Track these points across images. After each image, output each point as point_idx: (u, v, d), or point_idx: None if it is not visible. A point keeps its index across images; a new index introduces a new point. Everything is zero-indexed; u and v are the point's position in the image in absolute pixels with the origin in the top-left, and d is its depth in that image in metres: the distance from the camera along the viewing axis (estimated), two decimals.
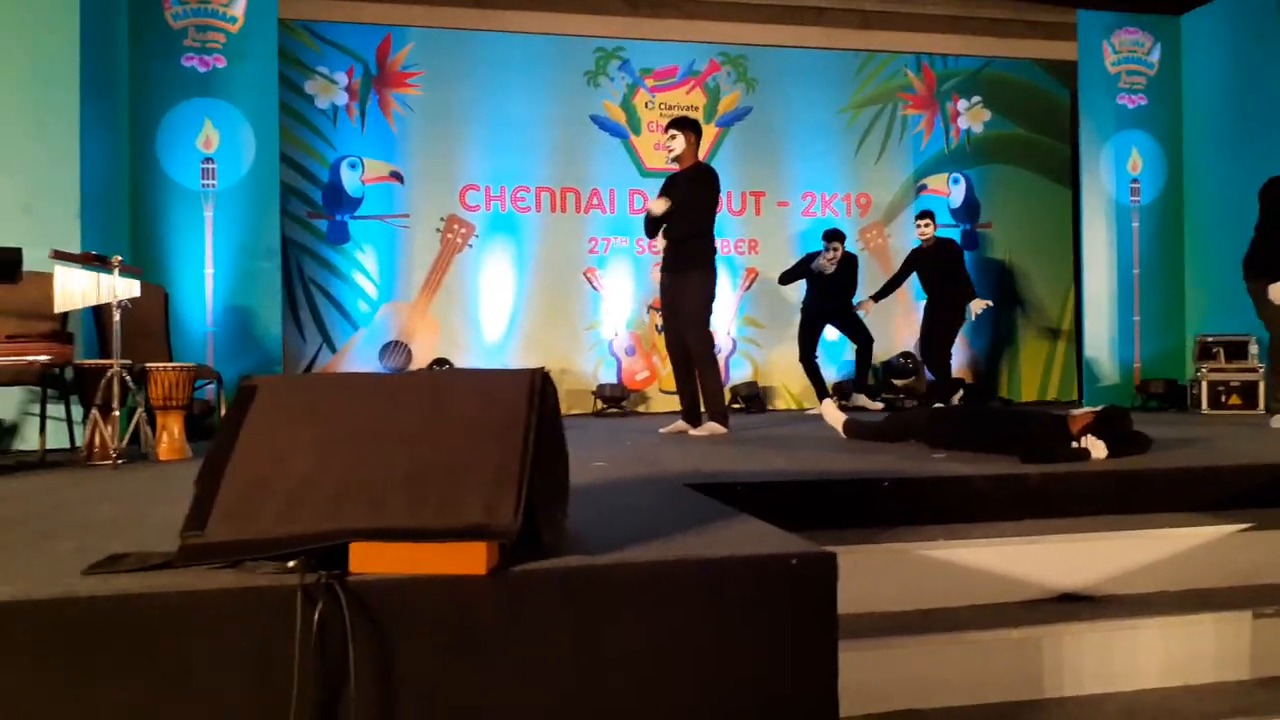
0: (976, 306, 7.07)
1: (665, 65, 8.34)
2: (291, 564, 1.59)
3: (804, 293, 7.53)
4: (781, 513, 2.47)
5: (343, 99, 7.75)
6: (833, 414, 4.86)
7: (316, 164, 7.69)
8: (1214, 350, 7.07)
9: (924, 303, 7.43)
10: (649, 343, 8.13)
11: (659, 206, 5.14)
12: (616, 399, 7.82)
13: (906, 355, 8.30)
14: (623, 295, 8.16)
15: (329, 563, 1.61)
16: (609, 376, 8.08)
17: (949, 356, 7.29)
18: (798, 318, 7.56)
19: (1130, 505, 3.12)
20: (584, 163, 8.14)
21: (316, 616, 1.54)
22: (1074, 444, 3.55)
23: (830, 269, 7.23)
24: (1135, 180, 7.91)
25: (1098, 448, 3.51)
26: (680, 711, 1.69)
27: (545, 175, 8.07)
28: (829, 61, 8.55)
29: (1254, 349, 6.88)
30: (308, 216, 7.65)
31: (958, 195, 8.79)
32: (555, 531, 1.85)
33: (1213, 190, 7.61)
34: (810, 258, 7.38)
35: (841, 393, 7.76)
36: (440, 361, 7.54)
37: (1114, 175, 7.88)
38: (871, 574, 2.56)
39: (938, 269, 7.22)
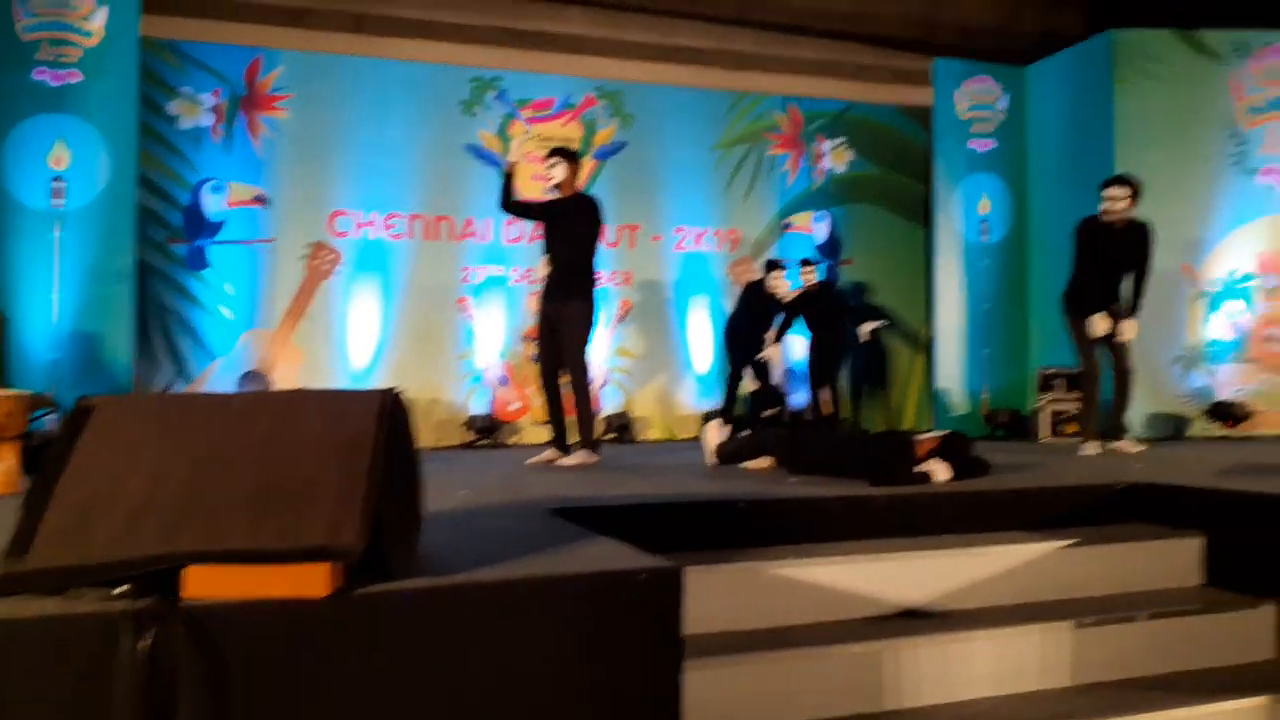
0: (866, 328, 7.93)
1: (542, 97, 8.41)
2: (120, 590, 1.54)
3: (733, 311, 7.92)
4: (643, 535, 2.52)
5: (208, 120, 7.51)
6: (714, 437, 4.89)
7: (177, 186, 7.41)
8: (1054, 382, 7.51)
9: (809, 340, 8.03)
10: (522, 373, 8.11)
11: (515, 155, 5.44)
12: (488, 430, 7.76)
13: (772, 386, 8.54)
14: (496, 325, 8.13)
15: (164, 588, 1.57)
16: (481, 407, 8.01)
17: (836, 381, 8.03)
18: (671, 351, 7.68)
19: (969, 525, 3.29)
20: (459, 191, 8.10)
21: (147, 644, 1.50)
22: (919, 467, 3.73)
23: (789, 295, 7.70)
24: (985, 220, 8.39)
25: (941, 471, 3.71)
26: None
27: (418, 203, 8.00)
28: (701, 100, 8.78)
29: None
30: (166, 241, 7.36)
31: (821, 232, 9.12)
32: (404, 555, 1.85)
33: (1053, 231, 8.09)
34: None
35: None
36: None
37: (964, 215, 8.35)
38: (726, 593, 2.63)
39: (823, 309, 7.87)
